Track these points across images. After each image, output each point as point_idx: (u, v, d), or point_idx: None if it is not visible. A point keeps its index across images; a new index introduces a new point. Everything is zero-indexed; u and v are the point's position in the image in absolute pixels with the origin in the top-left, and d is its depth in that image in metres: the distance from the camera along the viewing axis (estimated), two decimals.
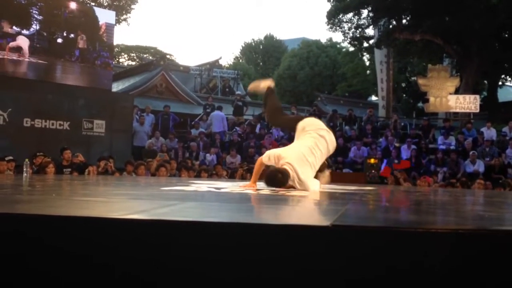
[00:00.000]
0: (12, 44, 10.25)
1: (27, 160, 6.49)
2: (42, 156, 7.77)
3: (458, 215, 2.42)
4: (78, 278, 1.50)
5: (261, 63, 38.92)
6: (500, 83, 25.03)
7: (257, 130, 13.58)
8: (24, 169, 6.26)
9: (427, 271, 1.42)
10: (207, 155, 11.41)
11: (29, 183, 4.33)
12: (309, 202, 2.90)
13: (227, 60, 40.06)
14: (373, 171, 9.82)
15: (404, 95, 29.77)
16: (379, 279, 1.43)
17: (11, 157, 7.52)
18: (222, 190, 3.52)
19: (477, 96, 15.89)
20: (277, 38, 39.31)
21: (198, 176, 8.83)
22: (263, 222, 1.64)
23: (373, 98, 30.89)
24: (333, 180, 7.09)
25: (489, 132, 12.60)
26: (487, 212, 2.63)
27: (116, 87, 17.97)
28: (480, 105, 15.67)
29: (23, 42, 10.37)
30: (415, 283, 1.42)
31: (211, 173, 9.16)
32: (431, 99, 15.04)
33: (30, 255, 1.54)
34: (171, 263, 1.49)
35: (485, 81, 24.99)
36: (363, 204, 2.97)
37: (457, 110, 15.47)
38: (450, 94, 15.06)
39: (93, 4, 14.17)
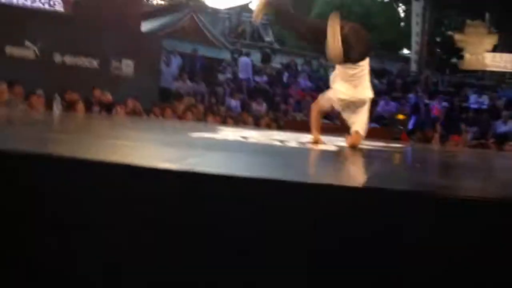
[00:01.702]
0: None
1: (57, 95, 6.56)
2: (72, 92, 7.86)
3: (485, 181, 2.37)
4: (112, 220, 1.54)
5: (292, 10, 37.93)
6: None
7: (284, 79, 13.42)
8: (55, 106, 6.35)
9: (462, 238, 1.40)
10: (232, 100, 11.39)
11: (60, 121, 4.40)
12: (336, 159, 2.88)
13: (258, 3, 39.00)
14: (400, 127, 9.67)
15: (439, 50, 28.78)
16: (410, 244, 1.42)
17: (41, 92, 7.63)
18: (249, 140, 3.52)
19: None
20: None
21: (224, 122, 8.85)
22: (292, 180, 1.63)
23: (405, 51, 29.96)
24: None
25: None
26: None
27: (145, 26, 17.79)
28: None
29: None
30: (447, 248, 1.41)
31: (237, 120, 9.17)
32: (467, 55, 14.52)
33: (60, 196, 1.57)
34: (200, 216, 1.50)
35: None
36: (392, 163, 2.94)
37: (493, 69, 14.94)
38: (487, 51, 14.49)
39: None
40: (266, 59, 14.81)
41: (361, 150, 3.33)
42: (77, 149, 2.06)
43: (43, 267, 1.55)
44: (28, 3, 10.14)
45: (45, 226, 1.55)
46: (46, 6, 10.35)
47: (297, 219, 1.45)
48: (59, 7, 10.53)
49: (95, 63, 10.00)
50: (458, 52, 15.81)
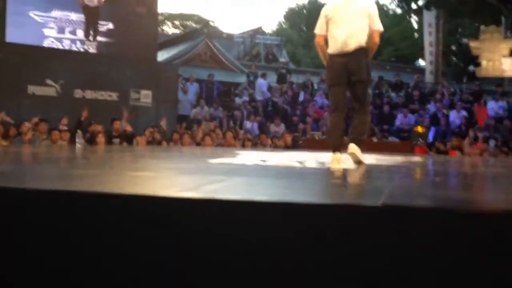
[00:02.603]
0: None
1: (79, 131, 6.73)
2: (94, 126, 8.05)
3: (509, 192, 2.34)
4: (139, 252, 1.57)
5: (304, 28, 38.19)
6: None
7: (300, 98, 13.46)
8: (77, 140, 6.51)
9: (479, 253, 1.40)
10: (248, 123, 11.45)
11: (83, 155, 4.50)
12: (356, 177, 2.89)
13: (270, 26, 39.47)
14: (420, 140, 9.57)
15: (454, 59, 28.56)
16: (429, 258, 1.42)
17: (65, 127, 7.83)
18: (268, 163, 3.54)
19: None
20: (321, 2, 38.35)
21: (242, 145, 8.90)
22: (311, 202, 1.64)
23: (421, 63, 29.80)
24: (379, 149, 7.00)
25: None
26: None
27: (161, 56, 18.14)
28: None
29: None
30: (465, 264, 1.40)
31: (256, 142, 9.22)
32: (483, 62, 14.37)
33: (86, 232, 1.61)
34: (221, 241, 1.53)
35: None
36: (412, 178, 2.92)
37: (511, 74, 14.74)
38: (504, 57, 14.31)
39: None
40: (282, 79, 14.91)
41: (380, 166, 3.33)
42: (99, 183, 2.12)
43: None
44: (61, 45, 10.57)
45: (74, 257, 1.60)
46: (80, 48, 10.81)
47: (319, 239, 1.46)
48: (92, 49, 10.95)
49: (114, 96, 10.24)
50: (474, 60, 15.66)
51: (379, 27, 3.68)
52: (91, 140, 7.65)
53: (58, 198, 1.68)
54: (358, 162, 3.39)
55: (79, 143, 6.48)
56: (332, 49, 3.65)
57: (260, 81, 13.80)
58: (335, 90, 3.64)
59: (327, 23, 3.70)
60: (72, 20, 10.78)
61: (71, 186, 1.97)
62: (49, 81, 9.50)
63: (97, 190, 1.81)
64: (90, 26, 10.91)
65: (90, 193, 1.73)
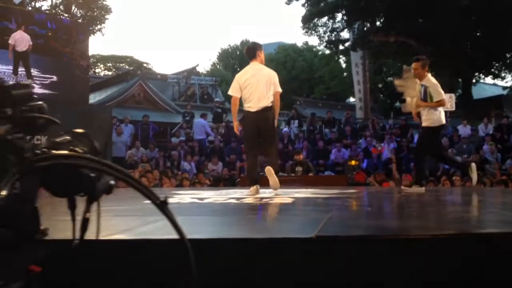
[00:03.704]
0: None
1: None
2: None
3: (438, 219, 2.46)
4: None
5: (238, 69, 38.91)
6: (474, 80, 25.52)
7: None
8: None
9: (413, 279, 1.44)
10: (186, 163, 11.35)
11: None
12: (292, 210, 2.92)
13: (204, 67, 39.84)
14: (354, 172, 9.90)
15: (381, 96, 30.13)
16: None
17: None
18: (205, 201, 3.51)
19: (453, 95, 16.07)
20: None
21: (180, 185, 8.77)
22: (248, 237, 1.64)
23: (351, 99, 31.17)
24: (315, 183, 7.14)
25: (465, 129, 12.82)
26: (467, 214, 2.68)
27: (93, 98, 17.77)
28: (456, 103, 15.92)
29: None
30: None
31: (194, 182, 9.12)
32: (408, 99, 15.04)
33: None
34: (156, 281, 1.48)
35: (459, 79, 25.45)
36: (347, 210, 2.99)
37: None
38: None
39: (66, 16, 13.99)
40: (218, 118, 15.00)
41: (317, 199, 3.39)
42: None
43: None
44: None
45: None
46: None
47: (258, 273, 1.45)
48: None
49: (43, 139, 9.83)
50: (400, 96, 16.57)
51: (279, 89, 4.65)
52: None
53: None
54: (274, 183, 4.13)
55: None
56: (247, 107, 4.55)
57: (199, 120, 13.78)
58: (249, 137, 4.58)
59: (240, 88, 4.57)
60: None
61: None
62: None
63: None
64: (18, 66, 10.60)
65: None
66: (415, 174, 5.40)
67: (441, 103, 4.84)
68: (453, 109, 15.28)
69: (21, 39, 10.38)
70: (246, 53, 4.90)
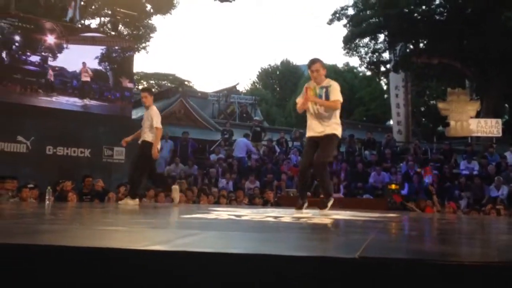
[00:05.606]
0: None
1: (49, 188, 6.55)
2: (64, 183, 7.86)
3: (484, 246, 2.34)
4: None
5: (278, 89, 39.11)
6: None
7: (276, 154, 13.55)
8: (47, 197, 6.32)
9: None
10: (223, 180, 11.39)
11: (52, 212, 4.36)
12: (332, 231, 2.86)
13: (244, 86, 40.19)
14: (393, 197, 9.66)
15: (424, 119, 29.53)
16: None
17: (33, 185, 7.61)
18: (242, 218, 3.49)
19: (499, 120, 15.63)
20: (294, 63, 39.57)
21: (217, 202, 8.80)
22: (286, 254, 1.61)
23: (391, 122, 30.69)
24: (354, 206, 7.01)
25: None
26: None
27: (136, 114, 18.20)
28: (502, 129, 15.40)
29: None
30: None
31: (231, 199, 9.13)
32: (452, 123, 14.85)
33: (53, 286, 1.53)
34: None
35: (506, 105, 24.65)
36: (389, 233, 2.91)
37: (479, 134, 15.21)
38: (471, 118, 14.84)
39: (113, 33, 14.48)
40: (256, 137, 15.03)
41: (356, 221, 3.31)
42: (68, 238, 2.03)
43: None
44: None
45: None
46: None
47: None
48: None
49: (87, 152, 10.11)
50: (443, 120, 16.18)
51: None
52: (60, 197, 7.44)
53: (25, 252, 1.60)
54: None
55: (49, 200, 6.28)
56: None
57: (241, 140, 13.85)
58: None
59: None
60: None
61: (39, 240, 1.89)
62: (20, 138, 9.35)
63: (65, 244, 1.73)
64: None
65: (56, 247, 1.65)
66: None
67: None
68: (500, 135, 14.85)
69: None
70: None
